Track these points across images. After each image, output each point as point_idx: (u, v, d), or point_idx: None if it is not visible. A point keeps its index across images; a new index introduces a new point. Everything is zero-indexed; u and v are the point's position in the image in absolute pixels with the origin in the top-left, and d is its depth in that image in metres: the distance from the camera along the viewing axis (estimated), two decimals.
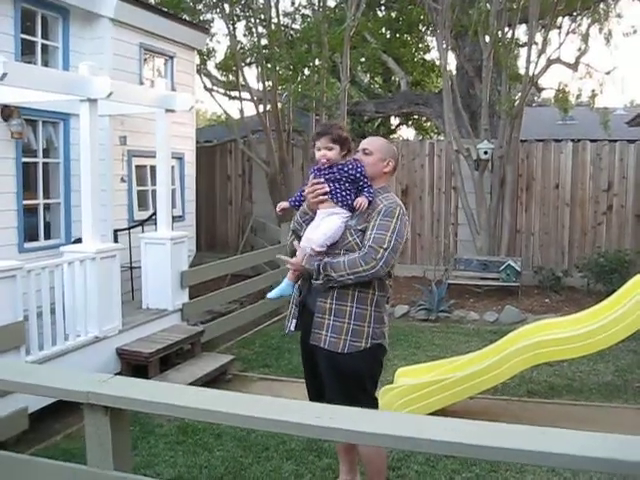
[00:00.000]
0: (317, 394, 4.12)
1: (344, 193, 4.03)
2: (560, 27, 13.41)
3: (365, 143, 4.24)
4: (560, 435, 2.07)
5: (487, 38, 12.11)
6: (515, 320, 9.92)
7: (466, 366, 6.37)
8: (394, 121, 21.89)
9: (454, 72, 15.22)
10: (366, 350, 3.98)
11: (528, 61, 12.05)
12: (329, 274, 3.87)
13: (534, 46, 12.20)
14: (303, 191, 4.20)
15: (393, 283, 4.23)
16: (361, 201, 3.97)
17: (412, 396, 5.86)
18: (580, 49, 13.94)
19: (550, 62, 12.60)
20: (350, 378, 3.99)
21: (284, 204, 4.36)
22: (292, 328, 4.21)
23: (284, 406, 2.42)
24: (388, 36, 18.36)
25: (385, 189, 4.14)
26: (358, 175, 4.04)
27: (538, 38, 12.59)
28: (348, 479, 4.56)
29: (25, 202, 8.18)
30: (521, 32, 14.91)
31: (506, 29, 12.59)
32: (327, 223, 4.03)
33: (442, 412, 5.85)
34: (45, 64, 8.57)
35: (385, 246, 3.85)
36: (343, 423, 2.15)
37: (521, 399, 6.66)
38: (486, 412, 6.28)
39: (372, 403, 4.13)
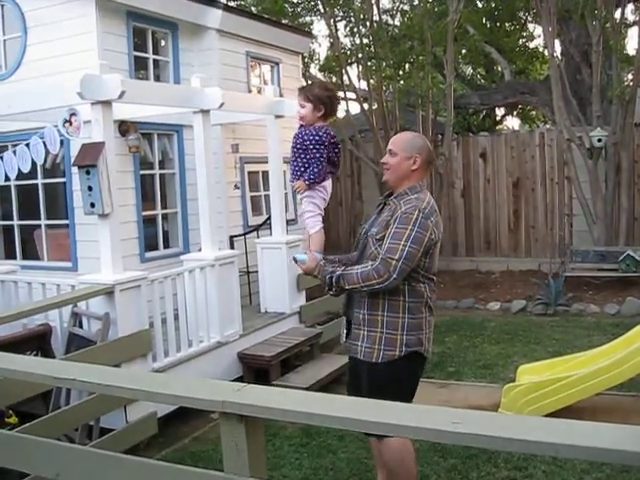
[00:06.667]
0: None
1: (296, 169, 4.19)
2: None
3: (390, 143, 4.05)
4: None
5: (594, 21, 11.73)
6: (638, 312, 9.58)
7: (589, 362, 6.19)
8: (499, 112, 21.48)
9: (559, 58, 14.82)
10: (400, 358, 3.86)
11: None
12: (342, 286, 3.85)
13: None
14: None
15: (436, 286, 4.05)
16: (296, 185, 4.17)
17: (536, 394, 5.74)
18: None
19: None
20: (387, 388, 3.81)
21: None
22: (343, 339, 4.19)
23: (418, 412, 2.43)
24: (489, 26, 18.02)
25: (414, 189, 3.91)
26: (299, 145, 4.12)
27: None
28: None
29: (144, 213, 8.47)
30: (628, 12, 14.37)
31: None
32: (303, 207, 4.28)
33: (568, 409, 5.73)
34: (157, 78, 8.86)
35: (397, 257, 3.67)
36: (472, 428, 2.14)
37: None
38: (613, 409, 6.11)
39: None
